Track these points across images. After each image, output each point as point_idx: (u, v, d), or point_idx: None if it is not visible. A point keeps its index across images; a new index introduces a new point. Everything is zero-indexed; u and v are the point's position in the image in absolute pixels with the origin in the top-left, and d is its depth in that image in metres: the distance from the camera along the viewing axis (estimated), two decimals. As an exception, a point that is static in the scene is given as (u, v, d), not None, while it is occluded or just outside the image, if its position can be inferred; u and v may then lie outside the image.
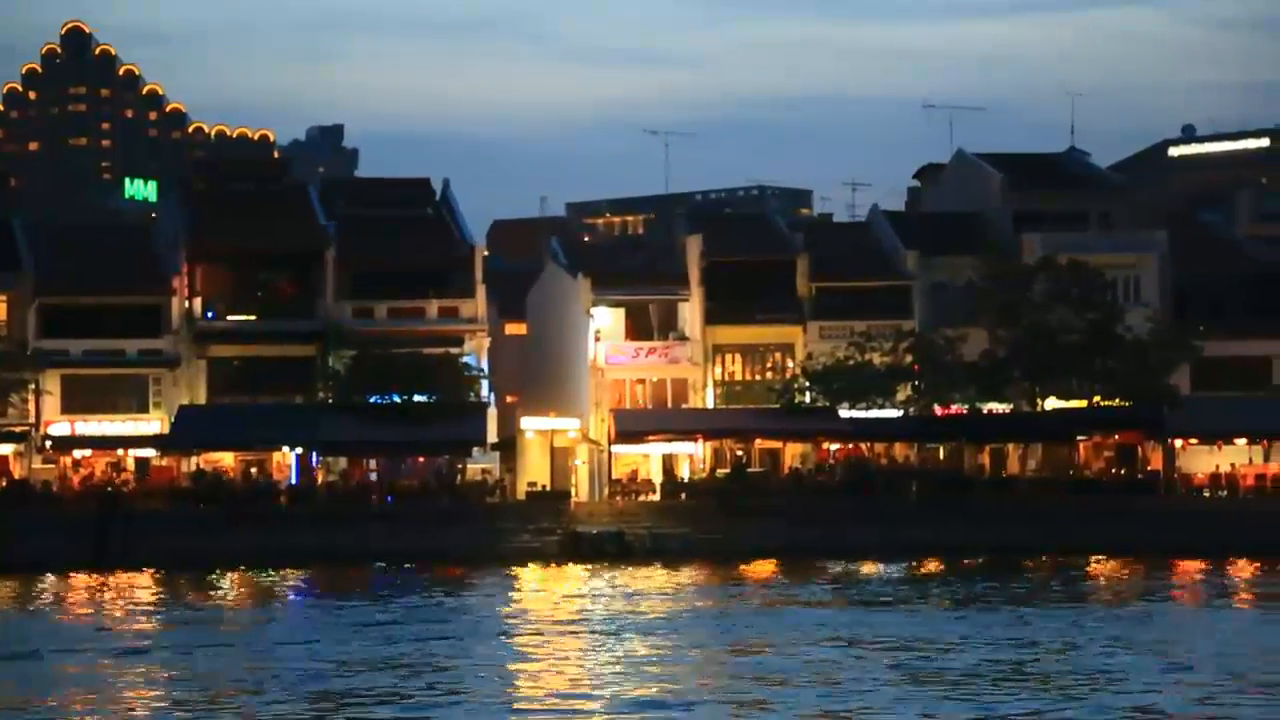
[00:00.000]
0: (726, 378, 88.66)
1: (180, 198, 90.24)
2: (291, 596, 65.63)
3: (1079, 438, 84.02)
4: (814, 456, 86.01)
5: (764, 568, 72.88)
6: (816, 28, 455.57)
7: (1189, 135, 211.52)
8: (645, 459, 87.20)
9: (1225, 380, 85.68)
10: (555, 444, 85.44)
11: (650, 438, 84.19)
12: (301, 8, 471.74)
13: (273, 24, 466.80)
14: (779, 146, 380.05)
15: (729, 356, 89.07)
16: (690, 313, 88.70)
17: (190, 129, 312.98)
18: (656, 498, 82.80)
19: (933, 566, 72.95)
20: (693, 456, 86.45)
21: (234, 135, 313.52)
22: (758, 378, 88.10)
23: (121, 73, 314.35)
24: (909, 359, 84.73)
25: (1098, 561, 74.22)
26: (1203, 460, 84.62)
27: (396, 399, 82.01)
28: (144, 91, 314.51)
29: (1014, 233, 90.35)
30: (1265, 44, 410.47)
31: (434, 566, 72.41)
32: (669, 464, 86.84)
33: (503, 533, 77.36)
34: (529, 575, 71.09)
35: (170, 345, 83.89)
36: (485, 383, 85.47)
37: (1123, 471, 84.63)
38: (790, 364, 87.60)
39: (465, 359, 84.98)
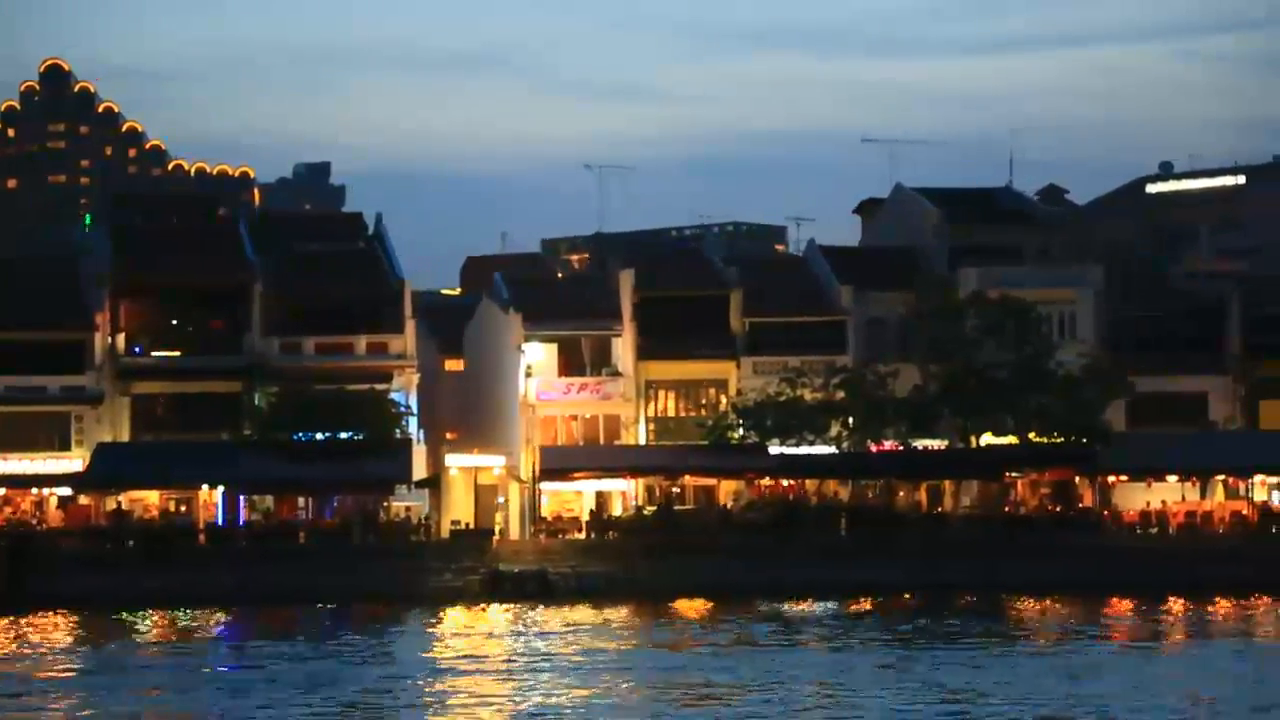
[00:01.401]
0: (660, 414, 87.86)
1: (107, 232, 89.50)
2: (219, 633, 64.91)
3: (1010, 474, 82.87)
4: (748, 494, 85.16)
5: (690, 606, 72.01)
6: (809, 64, 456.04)
7: (1166, 172, 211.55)
8: (578, 496, 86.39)
9: (1161, 416, 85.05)
10: (480, 481, 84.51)
11: (576, 475, 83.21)
12: (289, 45, 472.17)
13: (261, 61, 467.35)
14: (763, 181, 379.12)
15: (663, 392, 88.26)
16: (623, 348, 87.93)
17: (170, 166, 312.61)
18: (583, 536, 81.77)
19: (863, 605, 72.15)
20: (625, 494, 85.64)
21: (214, 172, 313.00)
22: (691, 414, 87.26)
23: (100, 110, 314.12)
24: (840, 395, 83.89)
25: (1027, 600, 73.27)
26: (1139, 497, 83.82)
27: (321, 436, 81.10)
28: (123, 129, 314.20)
29: (950, 267, 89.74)
30: (1250, 79, 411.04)
31: (353, 607, 71.52)
32: (603, 502, 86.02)
33: (424, 572, 76.41)
34: (447, 616, 70.13)
35: (93, 382, 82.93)
36: (414, 420, 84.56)
37: (1058, 509, 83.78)
38: (724, 400, 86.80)
39: (393, 395, 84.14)
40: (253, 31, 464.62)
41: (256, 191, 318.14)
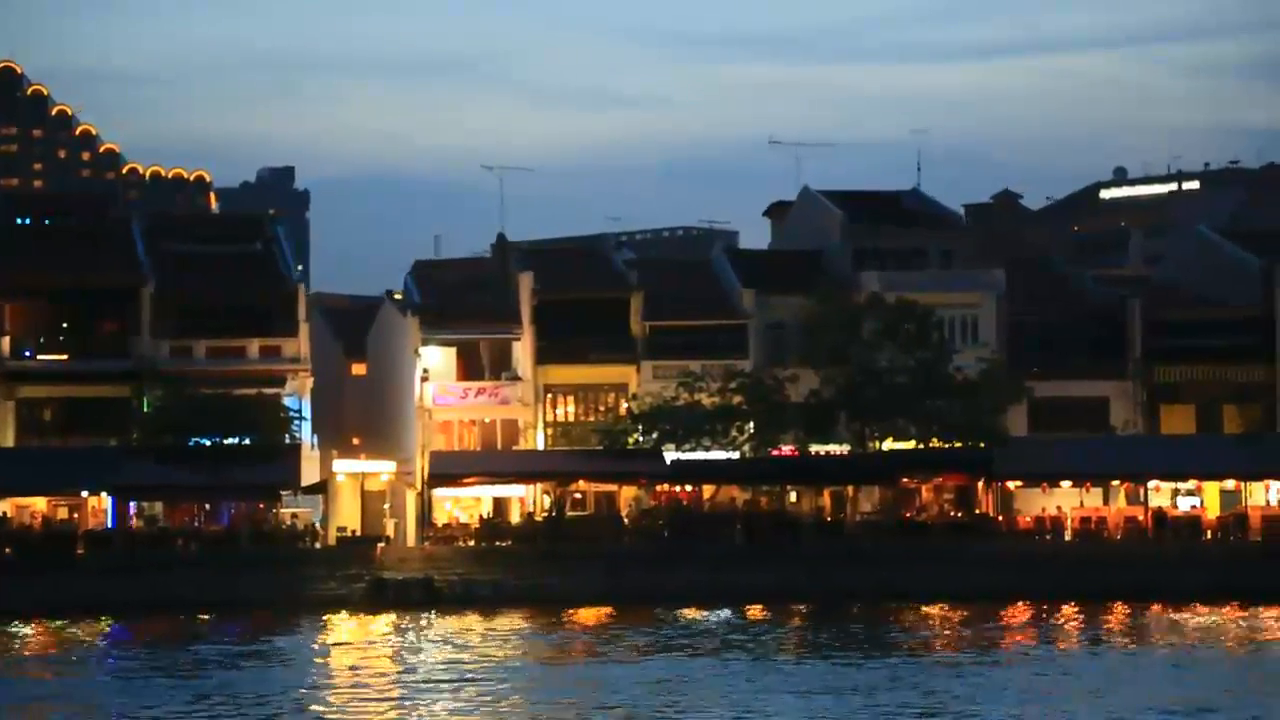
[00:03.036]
0: (563, 418, 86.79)
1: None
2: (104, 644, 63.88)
3: (906, 480, 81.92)
4: (648, 500, 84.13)
5: (585, 614, 71.08)
6: (786, 71, 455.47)
7: (1120, 178, 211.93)
8: (478, 503, 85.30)
9: (1062, 421, 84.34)
10: (368, 487, 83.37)
11: (466, 480, 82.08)
12: (256, 50, 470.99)
13: (230, 65, 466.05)
14: (729, 186, 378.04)
15: (564, 397, 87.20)
16: (522, 352, 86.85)
17: (124, 170, 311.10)
18: (474, 543, 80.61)
19: (758, 612, 71.31)
20: (523, 500, 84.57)
21: (169, 176, 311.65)
22: (591, 418, 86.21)
23: (54, 113, 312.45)
24: (738, 399, 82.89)
25: (917, 607, 72.34)
26: (1041, 502, 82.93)
27: (208, 441, 79.94)
28: (77, 132, 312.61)
29: (854, 271, 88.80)
30: (1211, 86, 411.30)
31: (234, 616, 70.35)
32: (502, 508, 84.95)
33: (309, 580, 75.20)
34: (330, 624, 68.97)
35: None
36: (307, 424, 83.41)
37: (959, 514, 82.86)
38: (624, 404, 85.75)
39: (286, 400, 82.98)
40: (221, 36, 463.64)
41: (213, 196, 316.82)
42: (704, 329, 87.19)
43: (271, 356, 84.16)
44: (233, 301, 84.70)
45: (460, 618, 70.15)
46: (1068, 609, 71.53)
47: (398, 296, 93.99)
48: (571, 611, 71.57)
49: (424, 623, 68.50)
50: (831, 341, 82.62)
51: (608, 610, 71.74)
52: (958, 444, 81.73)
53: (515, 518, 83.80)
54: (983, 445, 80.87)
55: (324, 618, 70.49)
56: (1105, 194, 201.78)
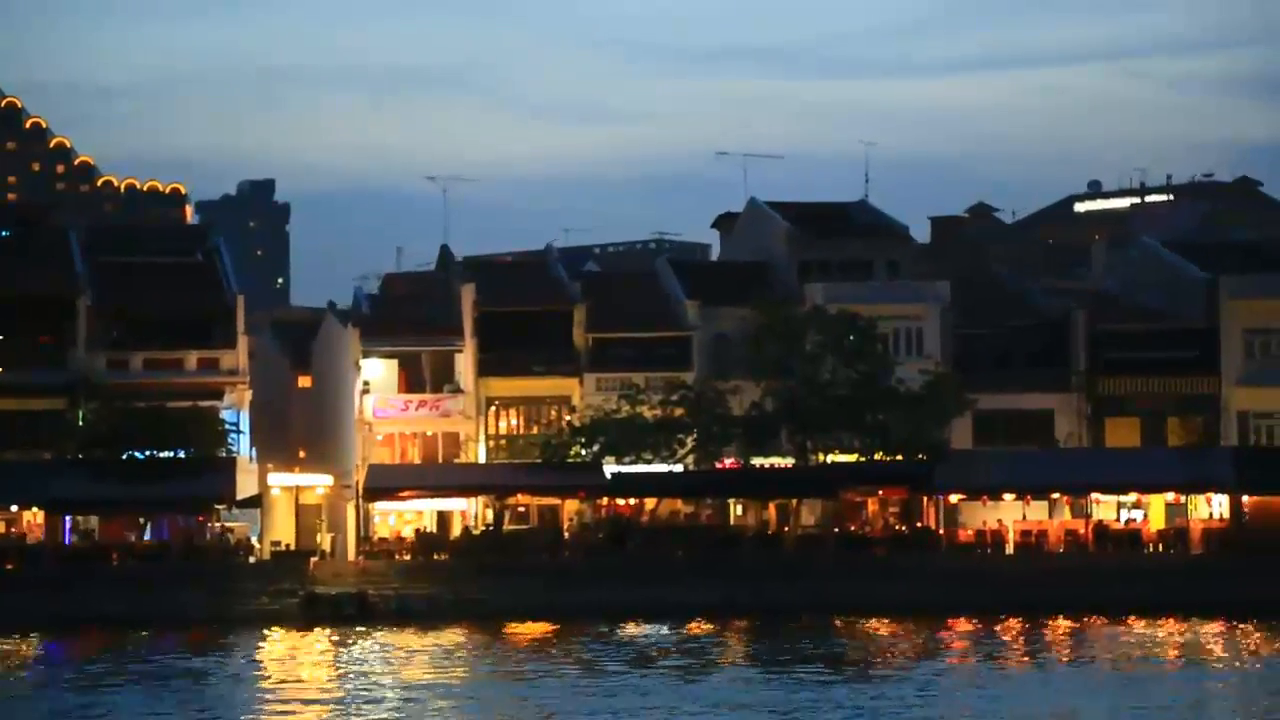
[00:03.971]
0: (508, 431, 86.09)
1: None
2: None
3: (844, 493, 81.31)
4: (590, 513, 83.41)
5: (523, 629, 70.42)
6: (776, 84, 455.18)
7: (1094, 190, 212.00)
8: (420, 516, 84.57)
9: (1007, 434, 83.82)
10: (303, 501, 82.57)
11: (402, 494, 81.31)
12: (238, 63, 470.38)
13: (211, 79, 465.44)
14: (715, 199, 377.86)
15: (507, 409, 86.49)
16: (464, 365, 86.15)
17: (99, 182, 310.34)
18: (410, 557, 79.88)
19: (697, 627, 70.62)
20: (465, 514, 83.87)
21: (145, 189, 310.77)
22: (535, 431, 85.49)
23: (28, 125, 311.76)
24: (679, 412, 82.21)
25: (857, 622, 71.66)
26: (986, 515, 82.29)
27: (144, 455, 79.17)
28: (52, 145, 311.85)
29: (799, 282, 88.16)
30: (1194, 102, 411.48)
31: (165, 632, 69.38)
32: (445, 522, 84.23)
33: (242, 595, 74.42)
34: (259, 640, 68.13)
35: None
36: (245, 438, 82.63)
37: (902, 528, 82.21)
38: (567, 417, 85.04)
39: (224, 413, 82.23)
40: (203, 49, 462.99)
41: (189, 209, 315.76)
42: (648, 341, 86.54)
43: (209, 369, 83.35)
44: (171, 313, 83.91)
45: (394, 633, 69.44)
46: (1010, 623, 70.89)
47: (343, 308, 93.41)
48: (515, 626, 70.94)
49: (351, 640, 67.65)
50: (773, 353, 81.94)
51: (545, 626, 71.01)
52: (899, 457, 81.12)
53: (457, 532, 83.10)
54: (923, 458, 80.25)
55: (259, 633, 69.70)
56: (1079, 206, 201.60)
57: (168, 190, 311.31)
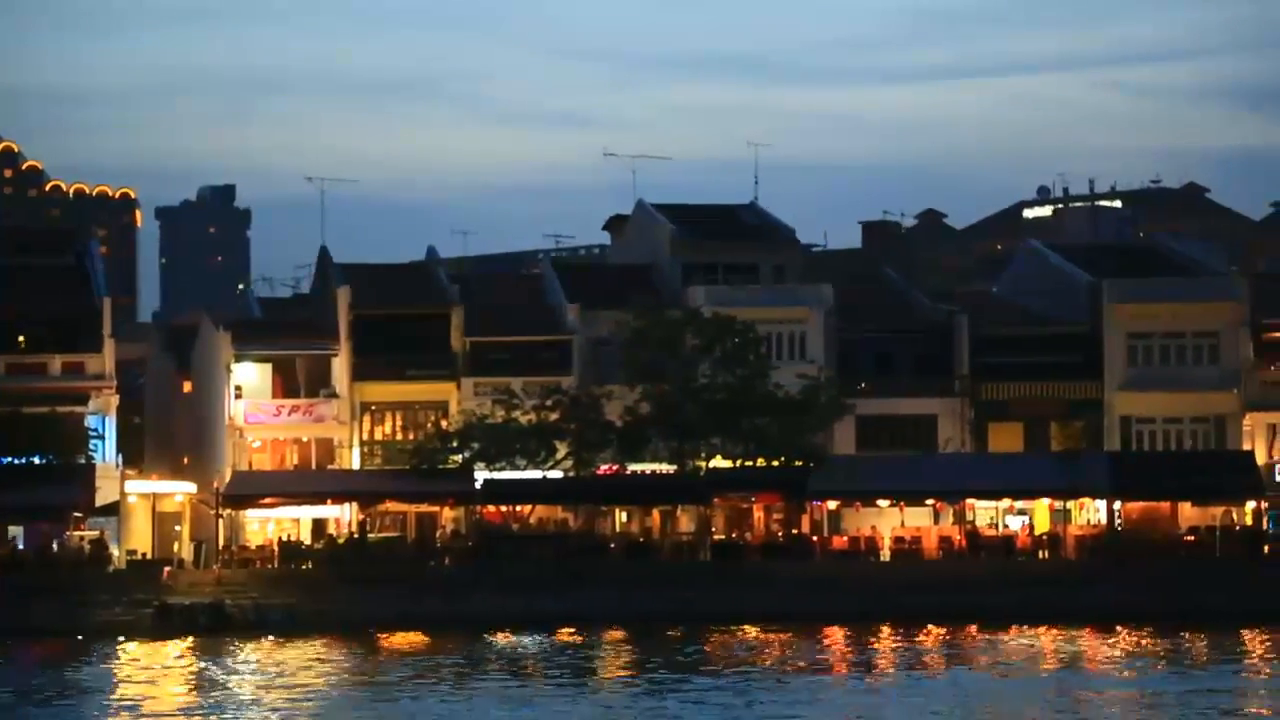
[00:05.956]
0: (384, 436, 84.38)
1: None
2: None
3: (718, 499, 79.83)
4: (465, 520, 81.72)
5: (391, 640, 69.07)
6: (751, 92, 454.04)
7: (1043, 197, 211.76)
8: (295, 524, 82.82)
9: (890, 439, 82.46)
10: (161, 509, 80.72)
11: (264, 501, 79.54)
12: (204, 69, 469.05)
13: (182, 85, 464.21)
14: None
15: (385, 415, 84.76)
16: (340, 369, 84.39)
17: (47, 187, 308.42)
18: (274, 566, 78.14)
19: (566, 637, 69.30)
20: (339, 521, 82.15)
21: (93, 193, 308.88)
22: (411, 437, 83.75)
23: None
24: (554, 417, 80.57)
25: (728, 630, 70.17)
26: (864, 522, 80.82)
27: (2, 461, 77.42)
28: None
29: (683, 285, 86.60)
30: (1160, 109, 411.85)
31: (24, 644, 67.89)
32: (321, 529, 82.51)
33: (94, 606, 72.58)
34: (110, 652, 66.43)
35: None
36: (108, 443, 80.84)
37: (792, 533, 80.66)
38: (444, 423, 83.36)
39: (89, 418, 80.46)
40: (167, 57, 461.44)
41: (138, 214, 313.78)
42: (527, 345, 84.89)
43: (75, 374, 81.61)
44: (37, 316, 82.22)
45: (254, 643, 67.94)
46: (882, 630, 69.90)
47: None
48: (385, 636, 69.46)
49: (198, 653, 65.97)
50: (649, 358, 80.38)
51: (413, 636, 69.59)
52: (776, 462, 79.59)
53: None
54: (801, 464, 78.72)
55: (112, 645, 67.95)
56: (1028, 213, 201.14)
57: (117, 195, 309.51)
